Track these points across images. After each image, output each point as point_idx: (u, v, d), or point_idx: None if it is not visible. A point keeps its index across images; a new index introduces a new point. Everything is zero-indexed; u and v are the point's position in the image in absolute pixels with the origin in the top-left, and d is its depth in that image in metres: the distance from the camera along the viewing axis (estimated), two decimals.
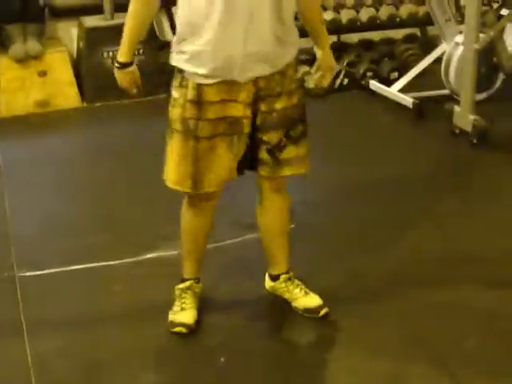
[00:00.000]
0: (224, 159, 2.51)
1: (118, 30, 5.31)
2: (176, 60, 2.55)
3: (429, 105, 4.91)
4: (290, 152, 2.60)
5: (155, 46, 5.59)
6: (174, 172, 2.57)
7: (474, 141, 4.31)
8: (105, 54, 5.36)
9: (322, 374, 2.56)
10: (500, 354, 2.54)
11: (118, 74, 2.63)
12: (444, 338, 2.63)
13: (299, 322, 2.78)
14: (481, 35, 4.28)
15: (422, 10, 5.98)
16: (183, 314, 2.71)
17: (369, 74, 5.57)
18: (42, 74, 5.30)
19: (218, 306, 2.88)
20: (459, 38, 4.81)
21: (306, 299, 2.81)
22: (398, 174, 4.04)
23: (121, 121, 5.09)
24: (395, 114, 4.99)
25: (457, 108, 4.46)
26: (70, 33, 5.74)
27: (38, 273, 3.11)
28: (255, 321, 2.82)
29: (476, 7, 4.12)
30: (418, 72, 5.31)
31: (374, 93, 5.38)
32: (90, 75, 5.43)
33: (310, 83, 5.43)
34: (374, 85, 5.38)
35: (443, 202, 3.70)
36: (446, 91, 5.05)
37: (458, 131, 4.44)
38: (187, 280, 2.79)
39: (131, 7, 2.51)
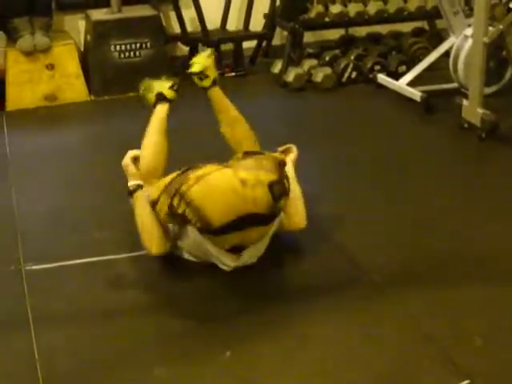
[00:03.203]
0: None
1: (124, 23, 5.40)
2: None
3: (437, 99, 4.88)
4: None
5: (162, 39, 5.58)
6: None
7: (483, 135, 4.28)
8: (112, 48, 5.35)
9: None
10: None
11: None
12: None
13: None
14: (490, 28, 4.25)
15: (430, 3, 5.98)
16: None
17: (377, 67, 5.55)
18: (50, 67, 5.30)
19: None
20: (468, 31, 4.78)
21: None
22: (406, 168, 4.03)
23: (128, 114, 5.07)
24: (403, 108, 4.97)
25: (465, 102, 4.43)
26: (77, 26, 5.76)
27: (45, 266, 3.10)
28: None
29: (485, 0, 4.09)
30: (426, 65, 5.28)
31: (381, 86, 5.36)
32: (98, 68, 5.43)
33: (318, 77, 5.43)
34: (382, 78, 5.36)
35: (452, 196, 3.68)
36: (454, 85, 5.02)
37: (466, 125, 4.42)
38: None
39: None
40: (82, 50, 5.69)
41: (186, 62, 5.86)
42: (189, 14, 5.78)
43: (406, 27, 6.33)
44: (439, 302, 2.77)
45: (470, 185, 3.84)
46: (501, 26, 4.20)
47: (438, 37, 5.91)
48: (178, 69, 5.77)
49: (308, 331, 2.62)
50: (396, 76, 5.40)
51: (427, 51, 5.66)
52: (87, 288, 2.97)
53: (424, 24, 6.37)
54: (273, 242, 3.01)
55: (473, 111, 4.34)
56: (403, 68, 5.56)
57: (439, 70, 5.38)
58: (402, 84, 5.13)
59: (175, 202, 2.71)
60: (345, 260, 3.10)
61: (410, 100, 4.96)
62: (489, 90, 4.77)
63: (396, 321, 2.67)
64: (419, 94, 4.87)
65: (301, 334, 2.60)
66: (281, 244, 3.10)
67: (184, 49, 6.01)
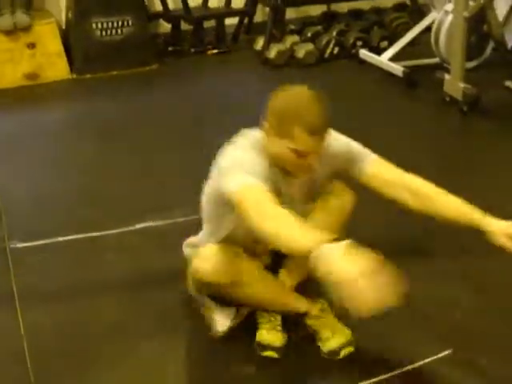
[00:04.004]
0: None
1: (106, 1, 5.35)
2: None
3: (419, 73, 4.90)
4: None
5: (144, 16, 5.56)
6: None
7: (465, 108, 4.31)
8: (94, 25, 5.32)
9: None
10: None
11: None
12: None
13: None
14: (470, 3, 4.27)
15: None
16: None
17: (359, 43, 5.57)
18: (31, 46, 5.28)
19: None
20: (449, 7, 4.80)
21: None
22: (391, 143, 4.03)
23: (111, 92, 5.07)
24: (386, 83, 5.00)
25: (447, 76, 4.46)
26: (58, 3, 5.72)
27: (30, 244, 3.10)
28: None
29: None
30: (408, 41, 5.30)
31: (363, 62, 5.37)
32: (79, 46, 5.42)
33: (300, 53, 5.43)
34: (364, 54, 5.37)
35: (435, 170, 3.70)
36: (436, 60, 5.05)
37: (448, 99, 4.45)
38: None
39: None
40: (64, 27, 5.65)
41: (167, 39, 5.90)
42: None
43: (388, 2, 6.34)
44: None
45: (455, 158, 3.86)
46: (481, 1, 4.21)
47: (419, 12, 5.92)
48: (160, 46, 5.79)
49: None
50: (378, 51, 5.41)
51: (409, 26, 5.68)
52: (73, 264, 2.97)
53: None
54: None
55: (455, 85, 4.37)
56: (385, 43, 5.58)
57: (421, 44, 5.40)
58: (384, 59, 5.15)
59: None
60: None
61: (393, 75, 4.98)
62: (470, 65, 4.80)
63: None
64: (401, 68, 4.88)
65: None
66: None
67: (166, 26, 5.99)
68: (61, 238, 3.14)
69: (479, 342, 2.35)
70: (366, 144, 2.45)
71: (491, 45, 5.02)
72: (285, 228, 1.89)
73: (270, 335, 2.35)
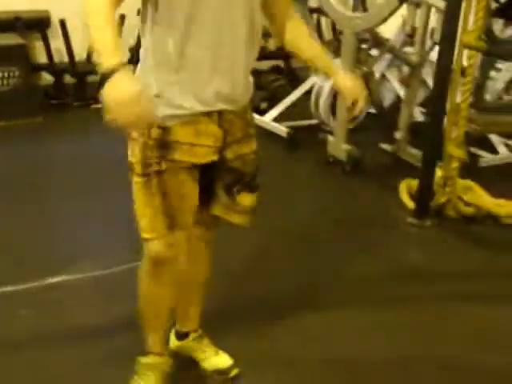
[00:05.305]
0: (193, 190, 2.19)
1: None
2: None
3: (301, 134, 5.16)
4: (245, 199, 2.32)
5: (29, 67, 5.53)
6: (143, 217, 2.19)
7: (347, 168, 4.61)
8: None
9: None
10: None
11: (113, 89, 1.74)
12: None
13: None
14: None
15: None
16: None
17: None
18: None
19: None
20: None
21: (217, 359, 2.60)
22: (279, 198, 4.19)
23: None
24: (268, 143, 5.16)
25: (331, 138, 4.76)
26: None
27: None
28: None
29: (352, 47, 4.47)
30: (290, 103, 5.56)
31: None
32: None
33: None
34: None
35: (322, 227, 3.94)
36: (315, 121, 5.34)
37: (331, 160, 4.73)
38: (151, 354, 2.45)
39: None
40: None
41: (48, 91, 5.87)
42: (56, 44, 5.78)
43: (264, 65, 6.63)
44: None
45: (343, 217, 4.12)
46: (365, 68, 4.57)
47: (293, 74, 6.26)
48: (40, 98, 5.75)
49: None
50: (259, 112, 5.62)
51: (286, 89, 5.96)
52: None
53: (280, 62, 6.70)
54: None
55: (338, 147, 4.67)
56: (265, 105, 5.81)
57: (298, 106, 5.67)
58: (267, 119, 5.36)
59: None
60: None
61: (274, 135, 5.18)
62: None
63: None
64: (285, 129, 5.13)
65: None
66: None
67: (48, 78, 5.97)
68: None
69: None
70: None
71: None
72: (97, 31, 1.82)
73: None
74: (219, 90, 2.10)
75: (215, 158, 2.18)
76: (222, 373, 2.58)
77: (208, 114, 2.12)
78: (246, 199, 2.31)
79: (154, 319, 2.41)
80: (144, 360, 2.44)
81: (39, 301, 3.05)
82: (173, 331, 2.65)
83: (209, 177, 2.23)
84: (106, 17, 1.85)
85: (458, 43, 3.75)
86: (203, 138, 2.13)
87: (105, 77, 1.75)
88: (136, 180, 2.15)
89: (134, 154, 2.13)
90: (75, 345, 2.76)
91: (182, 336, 2.63)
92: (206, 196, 2.27)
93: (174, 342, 2.65)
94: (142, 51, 2.11)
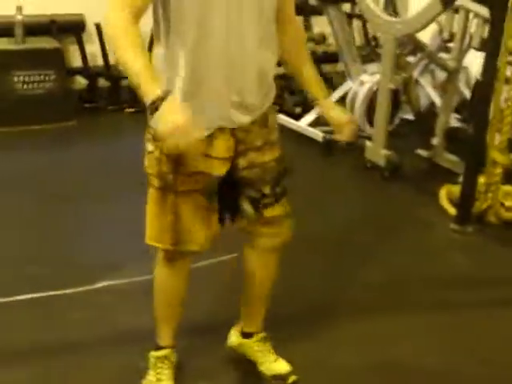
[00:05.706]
0: (206, 215, 2.26)
1: (29, 55, 5.30)
2: None
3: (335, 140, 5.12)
4: (273, 210, 2.36)
5: (64, 71, 5.55)
6: (152, 227, 2.30)
7: (386, 174, 4.58)
8: (15, 79, 5.26)
9: None
10: None
11: (167, 121, 1.84)
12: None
13: None
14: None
15: (320, 49, 6.28)
16: None
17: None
18: None
19: None
20: (364, 77, 5.11)
21: (276, 365, 2.61)
22: (309, 207, 4.13)
23: (30, 148, 4.97)
24: (304, 148, 5.15)
25: (369, 143, 4.73)
26: None
27: None
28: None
29: (391, 52, 4.44)
30: None
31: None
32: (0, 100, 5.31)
33: None
34: (281, 119, 5.56)
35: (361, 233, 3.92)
36: None
37: (369, 165, 4.71)
38: (163, 348, 2.53)
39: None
40: None
41: (83, 95, 5.89)
42: (91, 48, 5.79)
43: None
44: None
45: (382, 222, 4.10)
46: (404, 75, 4.55)
47: (325, 79, 6.22)
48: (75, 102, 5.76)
49: None
50: (293, 117, 5.61)
51: None
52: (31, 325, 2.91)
53: None
54: None
55: (377, 152, 4.64)
56: (299, 109, 5.78)
57: None
58: (303, 124, 5.35)
59: None
60: None
61: (309, 140, 5.15)
62: None
63: None
64: (321, 134, 5.11)
65: None
66: None
67: (82, 82, 5.98)
68: (17, 297, 3.08)
69: None
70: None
71: (400, 115, 5.36)
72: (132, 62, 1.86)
73: None
74: (232, 100, 2.14)
75: (227, 168, 2.22)
76: (280, 378, 2.60)
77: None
78: (274, 210, 2.35)
79: (166, 309, 2.48)
80: (156, 354, 2.52)
81: (89, 304, 3.06)
82: (234, 330, 2.71)
83: (231, 195, 2.29)
84: (133, 42, 1.88)
85: (502, 50, 3.73)
86: (215, 148, 2.17)
87: (152, 108, 1.85)
88: (152, 191, 2.25)
89: (151, 165, 2.22)
90: (126, 351, 2.77)
91: (246, 335, 2.68)
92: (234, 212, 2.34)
93: (236, 339, 2.70)
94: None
